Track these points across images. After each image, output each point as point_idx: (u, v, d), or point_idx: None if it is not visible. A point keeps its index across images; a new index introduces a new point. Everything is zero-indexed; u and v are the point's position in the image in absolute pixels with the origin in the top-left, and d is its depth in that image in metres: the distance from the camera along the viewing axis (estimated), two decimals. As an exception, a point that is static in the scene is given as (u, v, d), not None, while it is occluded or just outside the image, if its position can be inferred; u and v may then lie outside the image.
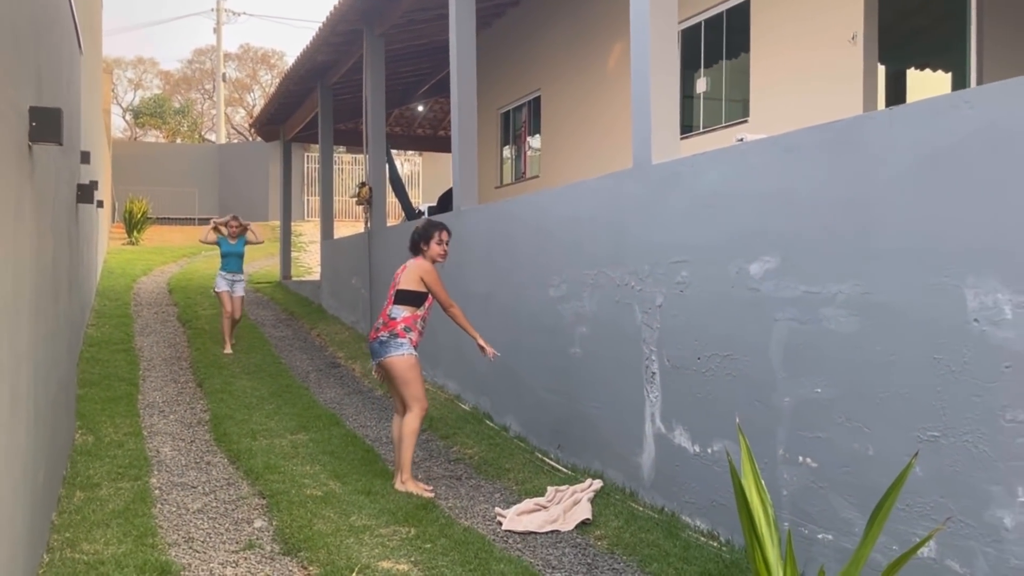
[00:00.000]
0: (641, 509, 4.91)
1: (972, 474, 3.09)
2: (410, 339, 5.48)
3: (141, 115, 41.96)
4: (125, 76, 45.42)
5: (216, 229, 10.75)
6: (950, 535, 3.16)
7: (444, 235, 5.68)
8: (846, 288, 3.63)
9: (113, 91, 37.13)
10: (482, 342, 5.64)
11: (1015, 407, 2.95)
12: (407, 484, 5.36)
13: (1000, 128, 3.01)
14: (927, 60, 8.21)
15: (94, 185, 7.02)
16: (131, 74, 46.01)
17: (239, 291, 10.57)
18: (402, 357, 5.42)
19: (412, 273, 5.55)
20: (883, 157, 3.47)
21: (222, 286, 10.52)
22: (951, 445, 3.17)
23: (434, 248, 5.64)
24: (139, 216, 22.68)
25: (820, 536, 3.78)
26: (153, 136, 42.28)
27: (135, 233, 22.47)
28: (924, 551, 3.25)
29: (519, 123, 13.52)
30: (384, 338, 5.45)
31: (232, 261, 10.64)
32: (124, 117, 44.27)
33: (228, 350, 10.21)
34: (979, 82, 7.63)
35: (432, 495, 5.33)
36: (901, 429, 3.37)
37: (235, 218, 10.87)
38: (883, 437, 3.46)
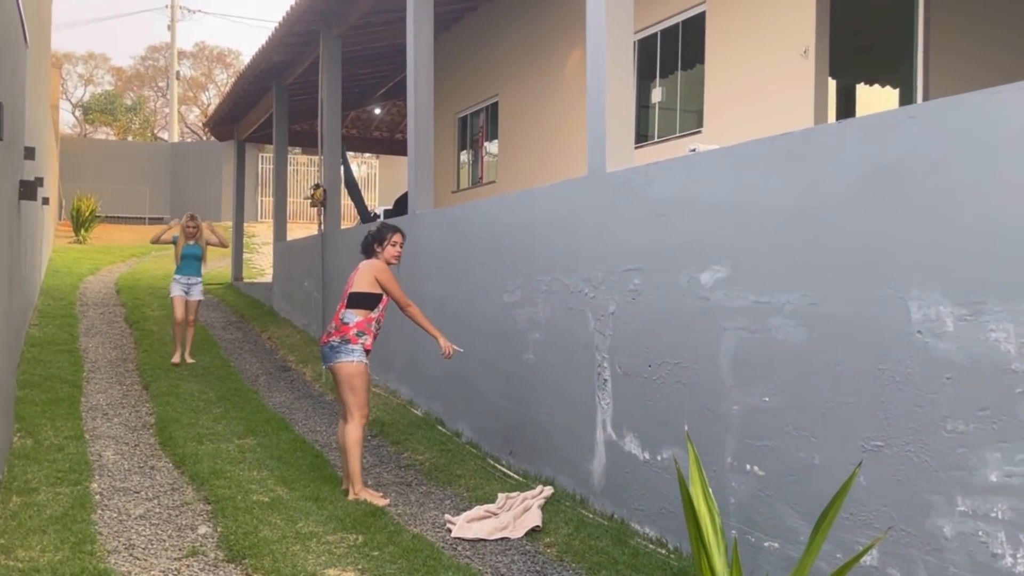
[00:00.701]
0: (591, 516, 4.91)
1: (914, 483, 3.14)
2: (363, 344, 5.41)
3: (91, 111, 41.14)
4: (75, 71, 44.55)
5: (170, 231, 9.98)
6: (892, 543, 3.21)
7: (398, 237, 5.63)
8: (794, 298, 3.67)
9: (62, 86, 36.38)
10: (443, 341, 5.53)
11: (955, 418, 3.00)
12: (360, 494, 5.29)
13: (944, 143, 3.07)
14: (876, 76, 8.37)
15: (39, 182, 6.84)
16: (81, 69, 45.14)
17: (196, 295, 9.77)
18: (351, 363, 5.35)
19: (366, 274, 5.47)
20: (832, 170, 3.52)
21: (176, 291, 9.69)
22: (894, 455, 3.22)
23: (388, 250, 5.58)
24: (87, 214, 22.22)
25: (766, 544, 3.81)
26: (103, 133, 41.49)
27: (82, 231, 22.01)
28: (867, 559, 3.29)
29: (476, 128, 13.50)
30: (335, 343, 5.38)
31: (189, 264, 9.75)
32: (74, 113, 43.41)
33: (177, 359, 9.46)
34: (925, 98, 7.80)
35: (387, 503, 5.27)
36: (846, 438, 3.42)
37: (192, 217, 9.94)
38: (829, 446, 3.50)
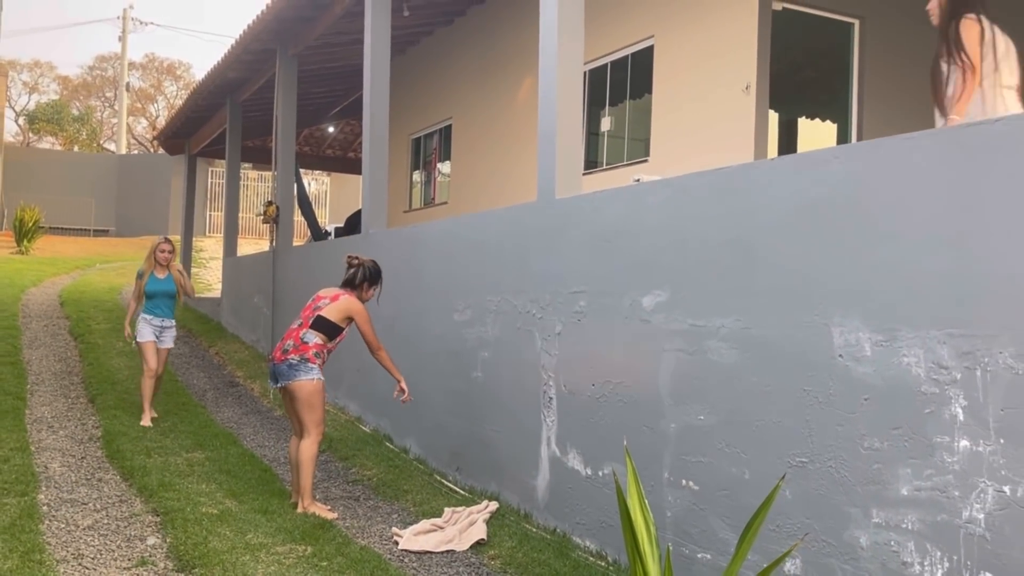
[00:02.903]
0: (534, 530, 5.07)
1: (834, 497, 3.38)
2: (319, 364, 5.51)
3: (37, 120, 40.36)
4: (20, 79, 43.69)
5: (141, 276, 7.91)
6: (812, 553, 3.43)
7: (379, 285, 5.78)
8: (728, 322, 3.90)
9: (7, 94, 35.68)
10: (403, 385, 5.67)
11: (872, 436, 3.24)
12: (309, 508, 5.37)
13: (864, 182, 3.33)
14: (815, 111, 8.77)
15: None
16: (27, 77, 44.30)
17: (168, 341, 7.95)
18: (311, 381, 5.41)
19: (342, 308, 5.50)
20: (765, 203, 3.77)
21: (147, 335, 7.76)
22: (816, 470, 3.45)
23: (369, 292, 5.70)
24: (30, 225, 21.79)
25: (699, 555, 4.01)
26: (48, 143, 40.71)
27: (25, 242, 21.58)
28: (790, 568, 3.51)
29: (430, 149, 13.68)
30: (294, 361, 5.41)
31: (161, 303, 7.88)
32: (17, 121, 42.52)
33: (147, 422, 7.54)
34: (859, 134, 8.20)
35: (335, 516, 5.37)
36: (774, 455, 3.64)
37: (167, 241, 8.08)
38: (758, 462, 3.72)
